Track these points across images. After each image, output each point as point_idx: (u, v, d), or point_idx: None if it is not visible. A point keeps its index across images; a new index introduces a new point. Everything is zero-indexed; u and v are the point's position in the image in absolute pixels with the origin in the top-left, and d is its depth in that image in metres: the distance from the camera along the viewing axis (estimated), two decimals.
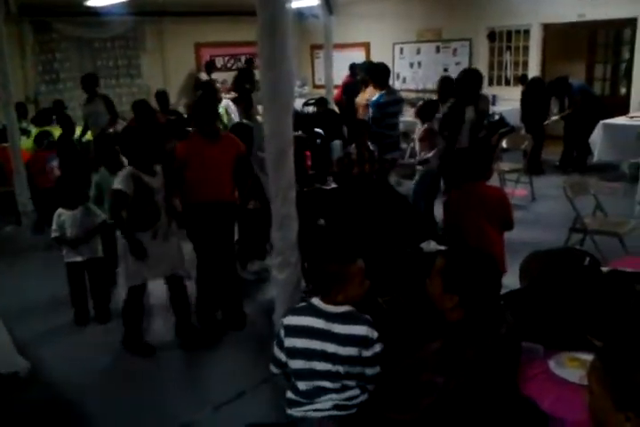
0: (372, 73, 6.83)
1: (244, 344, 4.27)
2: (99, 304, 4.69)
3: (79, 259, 4.56)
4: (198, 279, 4.43)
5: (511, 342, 2.18)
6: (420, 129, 6.20)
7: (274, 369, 2.56)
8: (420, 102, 6.51)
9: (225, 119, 7.75)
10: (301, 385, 2.46)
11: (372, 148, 5.27)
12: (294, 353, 2.44)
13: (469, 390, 1.98)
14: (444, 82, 6.83)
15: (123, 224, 3.89)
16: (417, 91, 11.81)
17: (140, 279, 4.02)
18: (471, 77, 6.37)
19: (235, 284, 4.54)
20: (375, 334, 2.39)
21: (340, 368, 2.38)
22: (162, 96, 8.64)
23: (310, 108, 9.80)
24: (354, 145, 5.29)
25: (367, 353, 2.38)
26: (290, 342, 2.44)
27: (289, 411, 2.48)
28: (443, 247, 4.17)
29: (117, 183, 3.84)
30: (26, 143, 7.56)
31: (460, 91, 6.17)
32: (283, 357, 2.48)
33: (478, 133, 6.39)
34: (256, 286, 5.26)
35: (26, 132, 7.99)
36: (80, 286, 4.63)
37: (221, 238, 4.38)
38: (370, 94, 7.21)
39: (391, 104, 6.36)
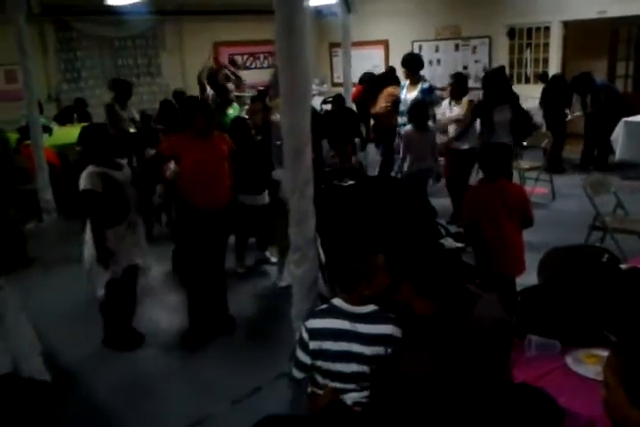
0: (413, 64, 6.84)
1: (256, 341, 4.31)
2: None
3: None
4: (189, 283, 4.43)
5: (490, 321, 2.19)
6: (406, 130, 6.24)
7: (297, 374, 2.52)
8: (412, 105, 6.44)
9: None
10: (323, 381, 2.47)
11: (354, 160, 5.21)
12: (320, 355, 2.44)
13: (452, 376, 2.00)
14: (458, 78, 6.56)
15: (98, 228, 3.88)
16: (435, 89, 11.77)
17: (118, 272, 4.04)
18: (496, 76, 6.35)
19: (223, 288, 4.56)
20: (400, 332, 2.40)
21: (366, 368, 2.38)
22: (180, 96, 8.66)
23: (329, 106, 9.80)
24: (334, 153, 5.24)
25: None
26: (315, 344, 2.43)
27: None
28: (460, 245, 4.16)
29: (85, 183, 3.82)
30: (48, 140, 7.67)
31: (486, 90, 6.18)
32: (308, 360, 2.47)
33: (523, 132, 6.38)
34: (255, 282, 5.36)
35: (48, 130, 8.08)
36: None
37: (217, 243, 4.40)
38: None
39: None
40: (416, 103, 6.38)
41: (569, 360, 2.40)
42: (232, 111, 7.33)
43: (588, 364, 2.35)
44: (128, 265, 4.11)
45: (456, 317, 2.18)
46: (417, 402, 2.03)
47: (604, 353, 1.78)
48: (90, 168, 3.90)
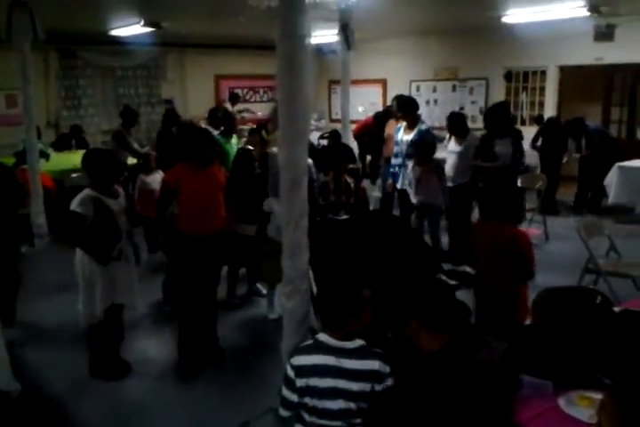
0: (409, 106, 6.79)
1: (245, 374, 4.25)
2: None
3: None
4: (182, 313, 4.42)
5: (494, 366, 2.19)
6: (417, 169, 6.18)
7: (284, 412, 2.46)
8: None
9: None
10: (309, 419, 2.43)
11: (348, 180, 5.24)
12: (307, 392, 2.39)
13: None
14: (455, 118, 6.67)
15: (85, 245, 3.90)
16: (433, 128, 11.88)
17: (109, 301, 4.00)
18: (499, 109, 6.41)
19: (214, 319, 4.53)
20: (387, 369, 2.37)
21: (353, 405, 2.35)
22: (184, 127, 8.68)
23: (325, 142, 9.87)
24: (331, 174, 5.26)
25: (379, 388, 2.36)
26: (302, 382, 2.39)
27: None
28: (453, 282, 4.15)
29: (76, 206, 3.83)
30: (45, 166, 7.67)
31: (489, 124, 6.22)
32: (295, 398, 2.41)
33: (519, 167, 6.41)
34: (245, 314, 5.31)
35: (45, 155, 8.09)
36: None
37: (211, 271, 4.41)
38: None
39: None
40: (425, 143, 6.32)
41: (561, 402, 2.36)
42: (234, 140, 7.38)
43: (581, 406, 2.31)
44: (113, 304, 4.06)
45: (461, 356, 2.17)
46: None
47: (598, 396, 1.76)
48: (85, 191, 3.91)
